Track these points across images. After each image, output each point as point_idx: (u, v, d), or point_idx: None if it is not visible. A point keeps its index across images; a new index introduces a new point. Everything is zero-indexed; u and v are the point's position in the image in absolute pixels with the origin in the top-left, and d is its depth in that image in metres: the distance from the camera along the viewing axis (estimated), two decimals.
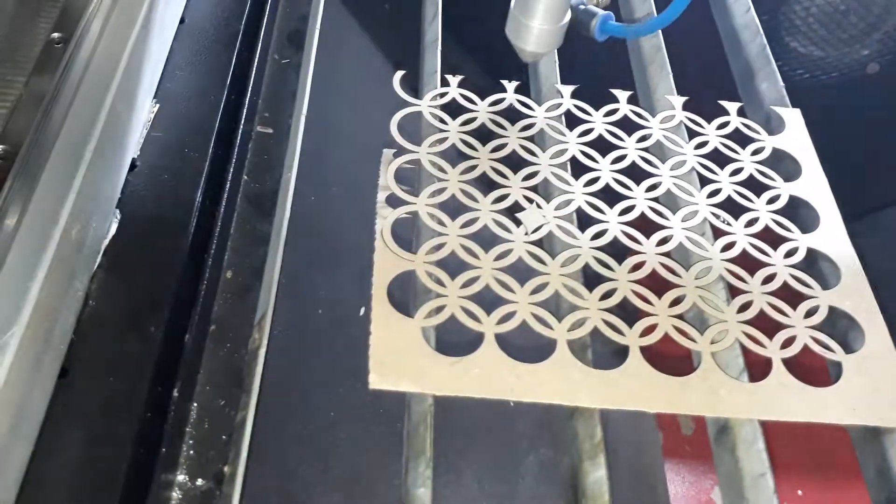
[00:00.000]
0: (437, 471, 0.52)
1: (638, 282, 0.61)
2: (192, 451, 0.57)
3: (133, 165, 0.64)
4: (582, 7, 0.71)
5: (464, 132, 0.69)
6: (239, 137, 0.73)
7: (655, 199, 0.67)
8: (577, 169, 0.69)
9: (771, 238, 0.66)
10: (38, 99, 0.52)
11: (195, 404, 0.58)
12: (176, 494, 0.55)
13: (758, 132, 0.75)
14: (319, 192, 0.83)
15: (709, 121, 0.75)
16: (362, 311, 0.79)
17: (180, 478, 0.55)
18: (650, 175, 0.69)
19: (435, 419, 0.53)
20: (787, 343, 0.59)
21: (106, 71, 0.60)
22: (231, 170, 0.70)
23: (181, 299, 0.60)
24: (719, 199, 0.68)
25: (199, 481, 0.56)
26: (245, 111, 0.75)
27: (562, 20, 0.69)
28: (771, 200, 0.69)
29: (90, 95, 0.57)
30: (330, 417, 0.76)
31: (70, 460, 0.50)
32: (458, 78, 0.74)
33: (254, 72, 0.78)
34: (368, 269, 0.60)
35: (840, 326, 0.63)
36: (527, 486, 0.82)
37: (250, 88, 0.77)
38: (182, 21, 0.77)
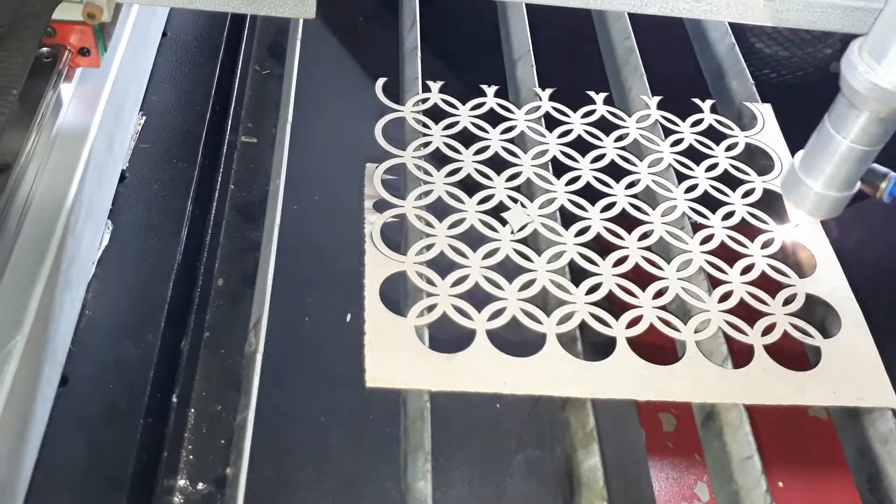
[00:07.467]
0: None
1: (622, 275, 0.63)
2: (191, 456, 0.57)
3: (123, 177, 0.65)
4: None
5: (447, 136, 0.71)
6: (224, 147, 0.74)
7: (635, 196, 0.69)
8: (559, 169, 0.70)
9: (747, 230, 0.69)
10: (30, 112, 0.53)
11: (193, 410, 0.59)
12: (178, 500, 0.56)
13: (731, 128, 0.77)
14: (303, 201, 0.84)
15: (683, 119, 0.77)
16: (349, 316, 0.80)
17: (181, 482, 0.56)
18: (629, 173, 0.71)
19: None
20: (768, 330, 0.61)
21: (94, 84, 0.61)
22: (219, 179, 0.71)
23: (176, 306, 0.61)
24: (696, 194, 0.70)
25: (200, 485, 0.56)
26: (230, 121, 0.76)
27: (852, 188, 0.58)
28: (746, 194, 0.71)
29: (81, 106, 0.58)
30: (321, 422, 0.77)
31: (74, 467, 0.51)
32: (439, 83, 0.75)
33: (236, 82, 0.79)
34: (353, 276, 0.60)
35: (817, 313, 0.65)
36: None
37: (234, 99, 0.78)
38: (164, 34, 0.77)
